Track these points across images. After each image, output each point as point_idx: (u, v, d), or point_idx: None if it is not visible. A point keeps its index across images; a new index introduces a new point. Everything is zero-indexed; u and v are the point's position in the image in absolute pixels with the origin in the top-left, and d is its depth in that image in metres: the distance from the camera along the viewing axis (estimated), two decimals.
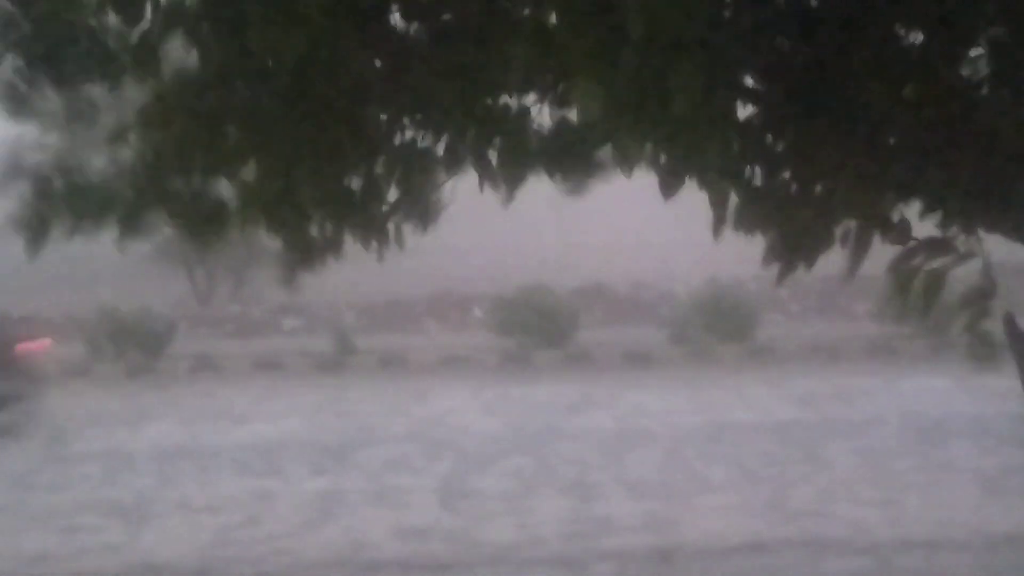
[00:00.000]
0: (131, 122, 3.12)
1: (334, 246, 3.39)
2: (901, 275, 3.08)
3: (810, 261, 3.09)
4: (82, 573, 7.26)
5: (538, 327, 17.28)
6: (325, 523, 8.30)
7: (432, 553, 7.50)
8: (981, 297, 3.11)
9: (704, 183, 2.95)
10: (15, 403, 12.01)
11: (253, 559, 7.40)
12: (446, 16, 2.93)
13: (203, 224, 3.23)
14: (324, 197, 3.21)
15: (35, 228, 3.16)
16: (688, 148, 2.80)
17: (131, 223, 3.17)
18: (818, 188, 3.03)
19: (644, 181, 3.12)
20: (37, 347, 13.24)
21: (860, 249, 3.04)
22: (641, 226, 16.51)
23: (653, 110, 2.63)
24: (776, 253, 3.10)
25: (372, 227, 3.37)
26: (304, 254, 3.37)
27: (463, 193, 3.95)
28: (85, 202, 3.16)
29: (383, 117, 3.23)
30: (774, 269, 3.11)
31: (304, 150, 3.05)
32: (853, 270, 3.12)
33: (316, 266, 3.47)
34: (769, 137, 3.00)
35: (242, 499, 9.05)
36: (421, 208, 3.45)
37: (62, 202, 3.16)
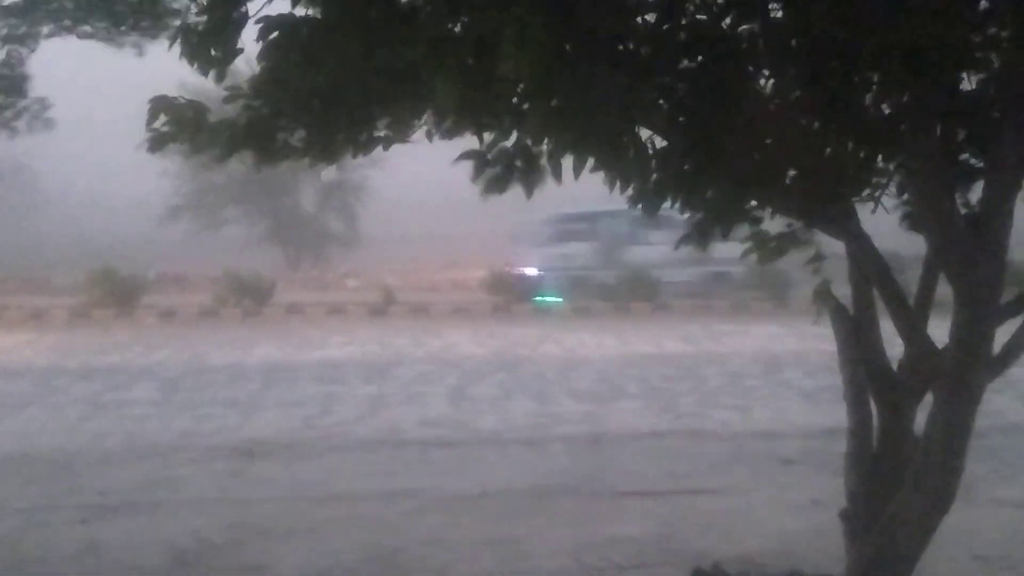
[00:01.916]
0: (240, 90, 3.07)
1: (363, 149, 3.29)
2: (761, 256, 3.21)
3: (704, 246, 3.08)
4: (212, 446, 7.33)
5: (515, 287, 17.77)
6: (373, 416, 8.44)
7: (442, 436, 7.65)
8: (814, 272, 3.21)
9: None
10: None
11: (325, 438, 7.61)
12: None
13: (278, 154, 3.17)
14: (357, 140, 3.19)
15: (187, 153, 3.17)
16: (623, 180, 2.64)
17: (236, 150, 3.13)
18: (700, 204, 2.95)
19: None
20: None
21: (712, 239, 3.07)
22: None
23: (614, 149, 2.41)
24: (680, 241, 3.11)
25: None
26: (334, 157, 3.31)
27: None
28: (214, 135, 3.10)
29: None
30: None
31: (349, 116, 3.04)
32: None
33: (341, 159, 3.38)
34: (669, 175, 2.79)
35: (318, 398, 9.21)
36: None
37: (204, 133, 3.12)
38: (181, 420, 8.41)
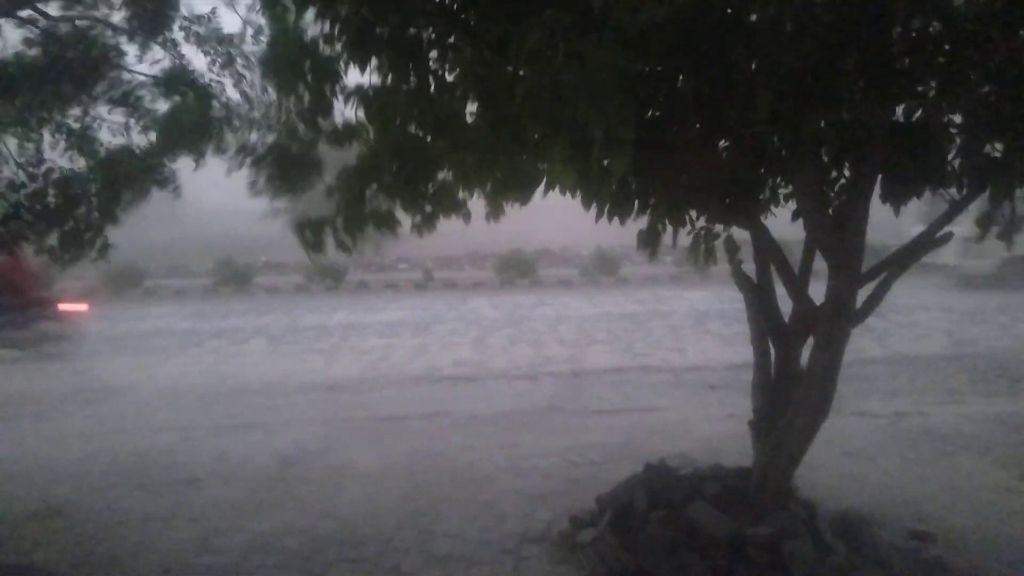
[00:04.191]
0: (335, 184, 2.83)
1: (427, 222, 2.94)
2: (694, 244, 3.03)
3: (653, 244, 2.95)
4: (303, 384, 7.14)
5: (518, 268, 17.42)
6: (418, 359, 8.29)
7: (467, 372, 7.49)
8: (727, 252, 3.10)
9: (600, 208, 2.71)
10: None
11: (385, 375, 7.46)
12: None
13: (371, 222, 2.85)
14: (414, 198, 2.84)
15: (310, 240, 2.78)
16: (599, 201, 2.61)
17: (338, 230, 2.82)
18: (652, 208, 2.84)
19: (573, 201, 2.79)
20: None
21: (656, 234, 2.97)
22: (569, 220, 15.35)
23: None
24: (641, 237, 2.96)
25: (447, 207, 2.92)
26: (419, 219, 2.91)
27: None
28: (316, 229, 2.81)
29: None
30: (636, 243, 2.93)
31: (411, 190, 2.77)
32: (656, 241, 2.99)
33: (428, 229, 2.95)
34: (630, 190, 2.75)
35: (380, 347, 9.07)
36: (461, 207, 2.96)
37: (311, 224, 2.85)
38: (278, 365, 8.22)
